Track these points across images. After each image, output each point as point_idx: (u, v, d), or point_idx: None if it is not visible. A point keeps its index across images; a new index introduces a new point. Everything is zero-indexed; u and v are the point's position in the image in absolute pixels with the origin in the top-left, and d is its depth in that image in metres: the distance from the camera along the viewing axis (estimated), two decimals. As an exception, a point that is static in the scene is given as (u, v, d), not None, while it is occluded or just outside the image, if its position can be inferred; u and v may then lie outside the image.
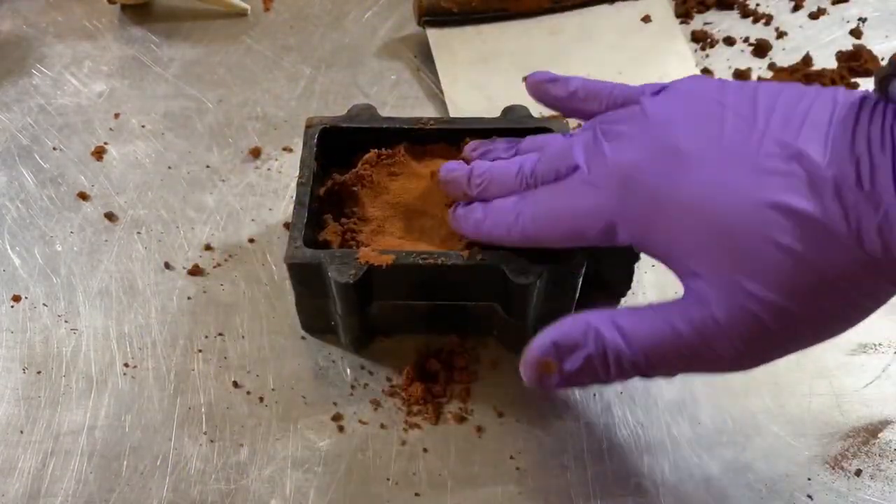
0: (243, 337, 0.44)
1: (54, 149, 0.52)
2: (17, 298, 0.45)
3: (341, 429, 0.41)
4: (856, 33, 0.58)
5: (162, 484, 0.39)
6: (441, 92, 0.55)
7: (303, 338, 0.44)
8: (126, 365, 0.43)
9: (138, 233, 0.48)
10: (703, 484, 0.39)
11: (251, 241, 0.48)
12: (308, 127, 0.43)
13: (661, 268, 0.46)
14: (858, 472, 0.39)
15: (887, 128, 0.28)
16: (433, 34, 0.57)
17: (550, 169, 0.35)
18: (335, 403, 0.41)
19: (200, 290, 0.46)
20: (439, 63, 0.56)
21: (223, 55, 0.58)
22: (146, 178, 0.51)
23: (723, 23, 0.59)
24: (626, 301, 0.45)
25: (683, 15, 0.59)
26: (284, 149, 0.52)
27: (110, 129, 0.54)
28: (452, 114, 0.53)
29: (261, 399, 0.42)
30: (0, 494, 0.39)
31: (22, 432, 0.41)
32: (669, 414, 0.41)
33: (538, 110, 0.54)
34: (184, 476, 0.39)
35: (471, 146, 0.41)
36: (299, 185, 0.41)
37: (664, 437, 0.40)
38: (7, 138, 0.53)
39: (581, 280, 0.40)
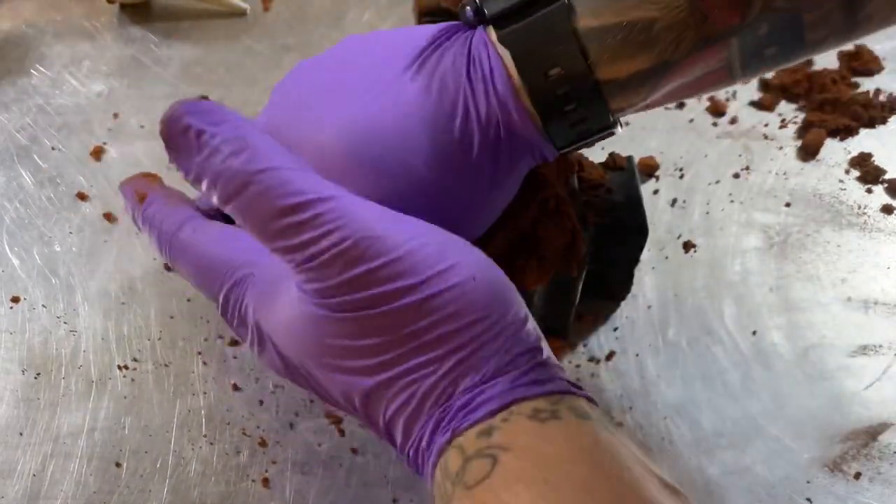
0: (243, 338, 0.44)
1: (53, 149, 0.52)
2: (16, 300, 0.45)
3: (341, 431, 0.41)
4: (856, 34, 0.58)
5: (161, 486, 0.39)
6: (441, 92, 0.55)
7: (302, 339, 0.44)
8: (125, 367, 0.43)
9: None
10: (702, 487, 0.39)
11: (251, 242, 0.48)
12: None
13: (661, 269, 0.46)
14: (858, 475, 0.39)
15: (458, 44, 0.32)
16: (433, 34, 0.57)
17: None
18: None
19: (200, 291, 0.46)
20: (439, 63, 0.56)
21: (223, 55, 0.58)
22: (145, 178, 0.51)
23: (723, 23, 0.59)
24: (626, 303, 0.45)
25: (684, 15, 0.59)
26: (284, 149, 0.52)
27: (109, 129, 0.53)
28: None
29: (260, 402, 0.42)
30: (-1, 497, 0.39)
31: (21, 434, 0.41)
32: (669, 417, 0.41)
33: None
34: (183, 478, 0.39)
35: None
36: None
37: (664, 439, 0.40)
38: (6, 138, 0.53)
39: (581, 282, 0.40)
